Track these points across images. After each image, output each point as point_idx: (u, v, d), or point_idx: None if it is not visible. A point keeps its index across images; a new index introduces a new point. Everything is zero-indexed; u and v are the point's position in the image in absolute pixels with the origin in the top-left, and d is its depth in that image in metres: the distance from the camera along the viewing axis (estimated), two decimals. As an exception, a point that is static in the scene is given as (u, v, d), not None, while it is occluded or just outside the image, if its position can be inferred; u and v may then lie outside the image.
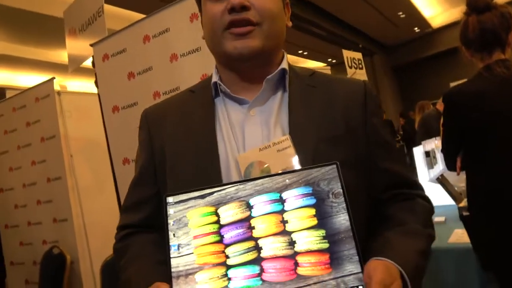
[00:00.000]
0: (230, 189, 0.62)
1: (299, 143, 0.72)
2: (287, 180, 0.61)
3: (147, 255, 0.75)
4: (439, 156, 2.63)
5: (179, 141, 0.79)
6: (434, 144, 2.86)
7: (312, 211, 0.59)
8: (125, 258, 0.78)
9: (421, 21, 11.09)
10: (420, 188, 0.84)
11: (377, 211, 0.79)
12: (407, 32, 11.80)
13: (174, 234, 0.61)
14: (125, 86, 2.07)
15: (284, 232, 0.59)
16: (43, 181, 2.76)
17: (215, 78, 0.81)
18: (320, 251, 0.57)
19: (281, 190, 0.61)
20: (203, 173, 0.74)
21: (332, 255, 0.56)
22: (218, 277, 0.57)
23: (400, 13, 10.08)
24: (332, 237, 0.57)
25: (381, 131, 0.81)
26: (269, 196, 0.61)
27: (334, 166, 0.61)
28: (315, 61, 12.63)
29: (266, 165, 0.71)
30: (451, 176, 2.39)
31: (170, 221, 0.61)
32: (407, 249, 0.67)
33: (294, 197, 0.60)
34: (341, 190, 0.60)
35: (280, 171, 0.68)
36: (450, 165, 1.62)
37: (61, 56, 7.89)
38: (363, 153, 0.77)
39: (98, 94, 2.23)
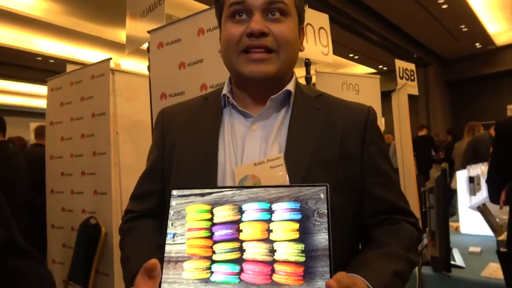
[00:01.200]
0: (228, 193, 0.69)
1: (292, 162, 0.77)
2: (279, 193, 0.66)
3: (147, 238, 0.85)
4: (484, 184, 2.51)
5: (186, 143, 0.86)
6: (480, 170, 2.73)
7: (296, 226, 0.64)
8: (127, 238, 0.88)
9: (484, 37, 10.49)
10: (410, 214, 0.86)
11: (364, 234, 0.84)
12: (468, 47, 11.22)
13: (172, 224, 0.68)
14: (175, 75, 2.14)
15: (267, 240, 0.64)
16: (89, 154, 2.92)
17: (225, 90, 0.87)
18: (296, 263, 0.61)
19: (271, 201, 0.66)
20: (202, 176, 0.81)
21: (307, 269, 0.60)
22: (202, 268, 0.64)
23: (463, 26, 9.59)
24: (309, 252, 0.61)
25: (378, 159, 0.84)
26: (260, 205, 0.66)
27: (324, 187, 0.65)
28: (365, 66, 12.32)
29: (258, 180, 0.78)
30: (494, 206, 2.28)
31: (171, 212, 0.69)
32: (383, 270, 0.70)
33: (282, 210, 0.65)
34: (326, 211, 0.63)
35: None
36: (493, 197, 1.56)
37: (119, 35, 8.27)
38: (355, 178, 0.81)
39: (149, 78, 2.33)
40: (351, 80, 3.71)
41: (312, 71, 3.48)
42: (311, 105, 0.85)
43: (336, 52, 10.38)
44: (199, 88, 2.02)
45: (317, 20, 3.27)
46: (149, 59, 2.31)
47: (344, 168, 0.79)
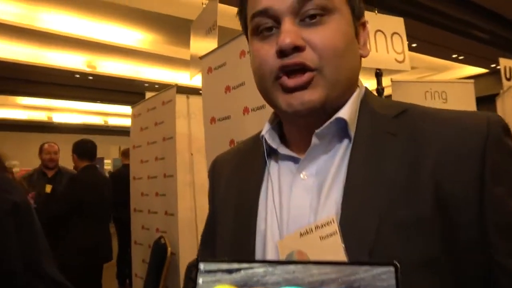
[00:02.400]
0: (259, 270, 0.51)
1: (352, 227, 0.52)
2: (323, 275, 0.46)
3: None
4: None
5: (227, 201, 0.70)
6: None
7: None
8: None
9: None
10: None
11: None
12: None
13: None
14: (222, 99, 2.15)
15: None
16: (161, 176, 3.10)
17: (266, 127, 0.66)
18: None
19: (313, 286, 0.46)
20: (238, 244, 0.64)
21: None
22: None
23: None
24: None
25: (509, 207, 0.51)
26: (297, 291, 0.46)
27: (391, 268, 0.41)
28: (474, 67, 10.91)
29: (306, 257, 0.55)
30: None
31: None
32: None
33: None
34: None
35: None
36: None
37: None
38: (468, 246, 0.50)
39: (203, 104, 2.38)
40: (437, 87, 3.27)
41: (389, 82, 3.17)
42: (384, 130, 0.57)
43: (435, 53, 9.45)
44: (242, 111, 1.99)
45: (389, 25, 2.98)
46: (202, 84, 2.37)
47: (441, 230, 0.50)
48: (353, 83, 0.62)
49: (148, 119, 3.36)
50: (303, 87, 0.56)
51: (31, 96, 11.28)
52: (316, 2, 0.56)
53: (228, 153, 0.81)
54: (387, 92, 3.15)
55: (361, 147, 0.57)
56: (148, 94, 3.67)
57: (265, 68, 0.58)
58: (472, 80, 3.33)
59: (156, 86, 10.71)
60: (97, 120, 15.73)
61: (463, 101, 3.22)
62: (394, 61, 2.98)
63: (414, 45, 7.76)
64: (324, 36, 0.56)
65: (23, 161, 12.51)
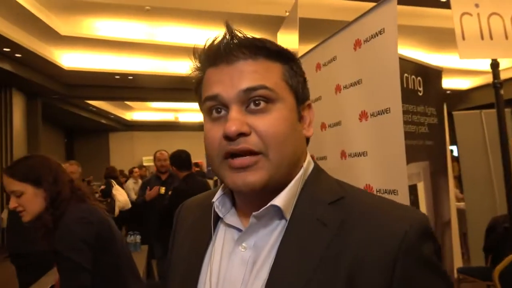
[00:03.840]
0: None
1: None
2: None
3: None
4: None
5: (178, 258, 0.76)
6: None
7: None
8: None
9: None
10: None
11: None
12: None
13: None
14: (331, 100, 1.90)
15: None
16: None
17: (218, 193, 0.71)
18: None
19: None
20: None
21: None
22: None
23: None
24: None
25: None
26: None
27: None
28: None
29: None
30: None
31: None
32: None
33: None
34: None
35: None
36: None
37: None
38: None
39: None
40: None
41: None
42: (317, 217, 0.61)
43: None
44: (358, 116, 1.67)
45: (506, 5, 2.49)
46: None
47: None
48: (297, 164, 0.66)
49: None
50: (247, 168, 0.60)
51: (160, 100, 12.80)
52: (260, 93, 0.61)
53: (195, 201, 0.85)
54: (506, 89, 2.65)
55: (293, 232, 0.61)
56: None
57: (213, 148, 0.63)
58: None
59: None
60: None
61: None
62: (514, 49, 2.49)
63: None
64: (268, 123, 0.60)
65: (157, 156, 14.38)
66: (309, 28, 4.79)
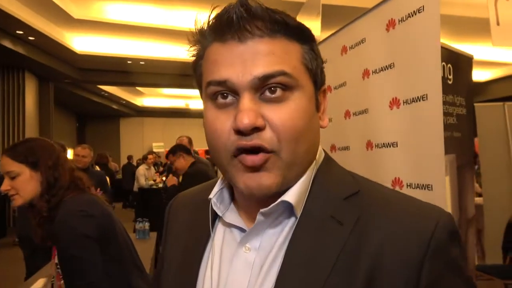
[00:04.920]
0: None
1: None
2: None
3: None
4: None
5: (172, 257, 0.68)
6: None
7: None
8: None
9: None
10: None
11: None
12: None
13: None
14: (358, 86, 1.77)
15: None
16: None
17: (216, 188, 0.62)
18: None
19: None
20: None
21: None
22: None
23: None
24: None
25: None
26: None
27: None
28: None
29: None
30: None
31: None
32: None
33: None
34: None
35: None
36: None
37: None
38: None
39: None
40: None
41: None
42: (331, 214, 0.55)
43: None
44: (388, 104, 1.54)
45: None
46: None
47: None
48: (311, 160, 0.59)
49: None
50: (259, 169, 0.53)
51: (171, 87, 12.73)
52: (278, 79, 0.52)
53: (187, 194, 0.77)
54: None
55: (304, 231, 0.55)
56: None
57: (220, 143, 0.54)
58: None
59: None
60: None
61: None
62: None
63: None
64: (285, 115, 0.52)
65: (167, 142, 14.39)
66: (329, 15, 4.62)
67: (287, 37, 0.54)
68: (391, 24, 1.50)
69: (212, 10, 0.56)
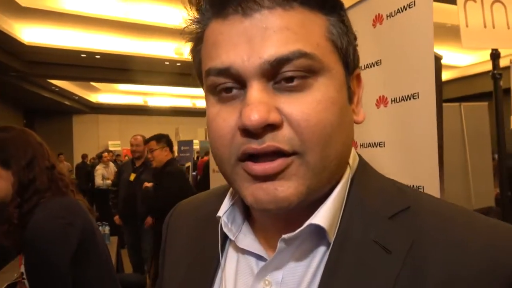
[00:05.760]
0: None
1: None
2: None
3: None
4: None
5: (173, 282, 0.57)
6: None
7: None
8: None
9: None
10: None
11: None
12: None
13: None
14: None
15: None
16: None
17: (226, 205, 0.51)
18: None
19: None
20: None
21: None
22: None
23: None
24: None
25: None
26: None
27: None
28: None
29: None
30: None
31: None
32: None
33: None
34: None
35: None
36: None
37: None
38: None
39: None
40: None
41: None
42: (373, 238, 0.43)
43: None
44: (375, 102, 1.42)
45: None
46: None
47: None
48: (344, 166, 0.47)
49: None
50: (276, 177, 0.41)
51: (128, 83, 12.22)
52: (298, 63, 0.40)
53: (187, 206, 0.66)
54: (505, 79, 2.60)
55: (341, 260, 0.43)
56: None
57: (223, 145, 0.43)
58: None
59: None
60: (186, 103, 16.57)
61: None
62: (517, 39, 2.43)
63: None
64: (307, 108, 0.41)
65: (124, 140, 13.83)
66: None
67: (306, 6, 0.42)
68: (378, 19, 1.43)
69: None
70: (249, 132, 0.40)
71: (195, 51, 0.48)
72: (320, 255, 0.45)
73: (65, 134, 16.11)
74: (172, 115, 17.18)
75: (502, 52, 2.44)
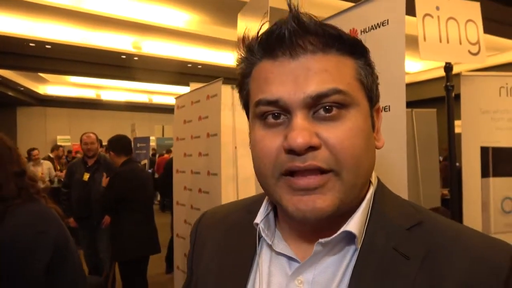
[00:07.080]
0: None
1: None
2: None
3: None
4: None
5: (205, 275, 0.64)
6: None
7: None
8: None
9: None
10: None
11: None
12: None
13: None
14: None
15: None
16: (205, 172, 2.99)
17: (262, 212, 0.60)
18: None
19: None
20: None
21: None
22: None
23: None
24: None
25: None
26: None
27: None
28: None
29: None
30: None
31: None
32: None
33: None
34: None
35: None
36: None
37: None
38: None
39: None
40: (515, 82, 2.88)
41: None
42: (395, 247, 0.51)
43: (503, 34, 8.52)
44: None
45: (463, 11, 2.61)
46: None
47: None
48: (368, 182, 0.57)
49: (192, 112, 3.24)
50: (315, 190, 0.50)
51: (81, 75, 11.61)
52: (333, 98, 0.50)
53: (217, 213, 0.73)
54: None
55: (367, 264, 0.51)
56: (192, 86, 3.53)
57: (268, 163, 0.52)
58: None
59: (199, 66, 10.66)
60: (142, 98, 16.08)
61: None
62: (467, 54, 2.61)
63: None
64: (342, 134, 0.50)
65: (75, 136, 13.13)
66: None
67: (340, 52, 0.52)
68: (352, 33, 1.48)
69: (262, 25, 0.54)
70: (293, 152, 0.49)
71: (244, 83, 0.58)
72: (348, 258, 0.53)
73: (8, 127, 15.00)
74: (127, 110, 16.61)
75: (452, 61, 2.62)
